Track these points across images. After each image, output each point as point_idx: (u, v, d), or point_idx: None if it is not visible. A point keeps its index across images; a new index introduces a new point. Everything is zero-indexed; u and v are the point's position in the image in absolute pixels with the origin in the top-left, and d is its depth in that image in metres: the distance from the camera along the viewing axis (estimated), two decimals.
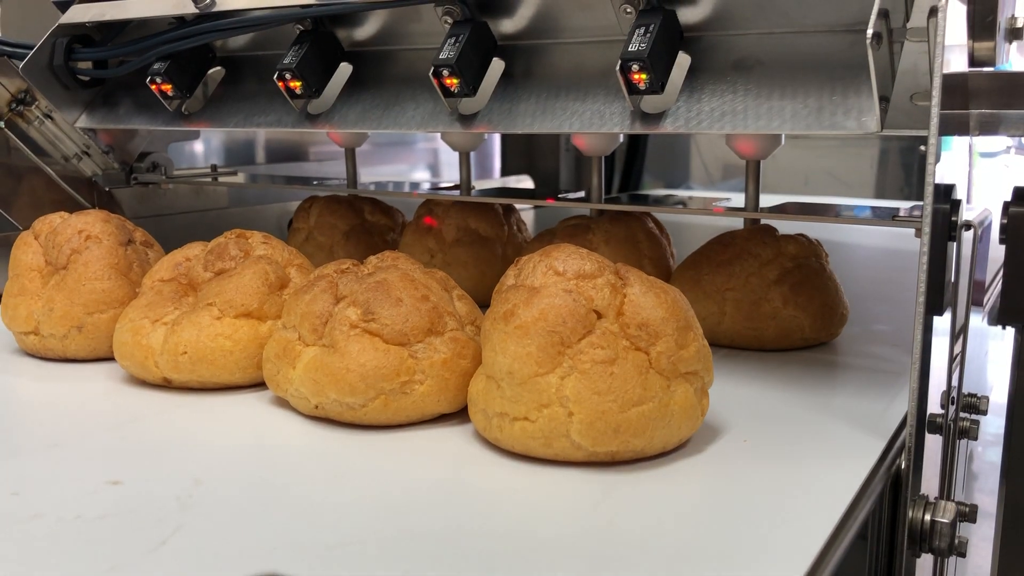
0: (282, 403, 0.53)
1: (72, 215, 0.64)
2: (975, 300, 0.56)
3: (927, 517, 0.45)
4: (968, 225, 0.48)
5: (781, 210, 0.65)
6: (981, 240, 0.53)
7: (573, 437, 0.43)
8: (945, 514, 0.45)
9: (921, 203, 0.44)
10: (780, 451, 0.46)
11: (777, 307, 0.64)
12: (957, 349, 0.52)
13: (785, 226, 0.70)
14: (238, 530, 0.37)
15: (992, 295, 0.81)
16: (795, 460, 0.45)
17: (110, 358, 0.60)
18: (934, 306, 0.46)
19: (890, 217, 0.58)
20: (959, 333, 0.55)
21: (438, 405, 0.50)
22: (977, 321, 0.63)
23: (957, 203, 0.47)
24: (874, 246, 1.24)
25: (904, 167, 2.54)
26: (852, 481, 0.42)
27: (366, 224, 0.87)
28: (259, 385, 0.56)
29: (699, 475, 0.44)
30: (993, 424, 0.98)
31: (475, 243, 0.82)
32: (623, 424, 0.43)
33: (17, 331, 0.63)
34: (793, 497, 0.41)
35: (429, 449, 0.47)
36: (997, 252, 0.87)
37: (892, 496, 0.45)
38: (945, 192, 0.46)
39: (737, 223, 0.71)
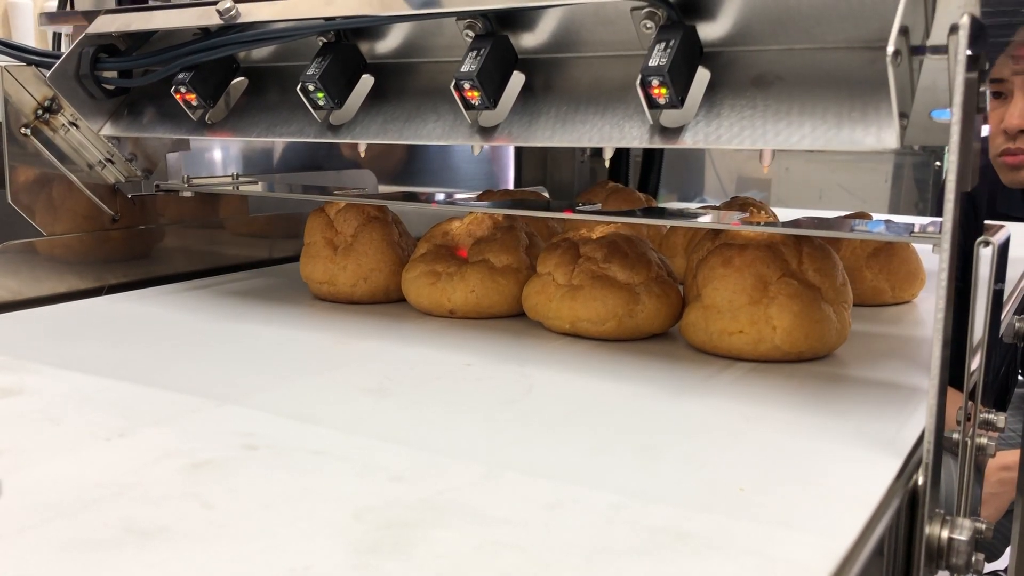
0: (538, 326, 0.75)
1: (352, 204, 0.83)
2: None
3: (944, 534, 0.45)
4: (986, 242, 0.48)
5: (796, 225, 0.65)
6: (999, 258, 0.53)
7: (776, 343, 0.64)
8: (962, 531, 0.45)
9: (939, 219, 0.44)
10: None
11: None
12: (975, 365, 0.52)
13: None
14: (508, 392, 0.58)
15: (1008, 312, 0.81)
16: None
17: (384, 301, 0.83)
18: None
19: (907, 233, 0.58)
20: (976, 348, 0.55)
21: (652, 327, 0.71)
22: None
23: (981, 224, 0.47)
24: None
25: (918, 182, 2.53)
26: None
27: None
28: (516, 316, 0.78)
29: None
30: None
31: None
32: (811, 332, 0.64)
33: (315, 281, 0.83)
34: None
35: (651, 352, 0.68)
36: (1013, 271, 0.87)
37: (909, 512, 0.45)
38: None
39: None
